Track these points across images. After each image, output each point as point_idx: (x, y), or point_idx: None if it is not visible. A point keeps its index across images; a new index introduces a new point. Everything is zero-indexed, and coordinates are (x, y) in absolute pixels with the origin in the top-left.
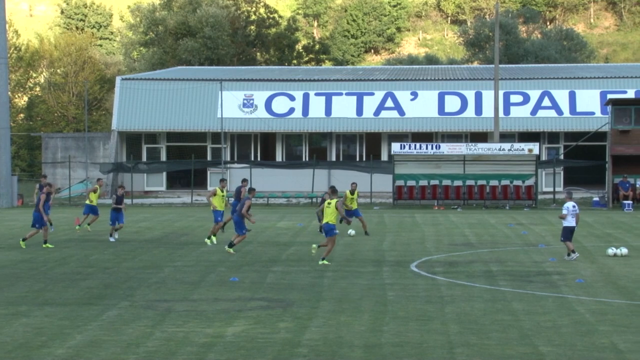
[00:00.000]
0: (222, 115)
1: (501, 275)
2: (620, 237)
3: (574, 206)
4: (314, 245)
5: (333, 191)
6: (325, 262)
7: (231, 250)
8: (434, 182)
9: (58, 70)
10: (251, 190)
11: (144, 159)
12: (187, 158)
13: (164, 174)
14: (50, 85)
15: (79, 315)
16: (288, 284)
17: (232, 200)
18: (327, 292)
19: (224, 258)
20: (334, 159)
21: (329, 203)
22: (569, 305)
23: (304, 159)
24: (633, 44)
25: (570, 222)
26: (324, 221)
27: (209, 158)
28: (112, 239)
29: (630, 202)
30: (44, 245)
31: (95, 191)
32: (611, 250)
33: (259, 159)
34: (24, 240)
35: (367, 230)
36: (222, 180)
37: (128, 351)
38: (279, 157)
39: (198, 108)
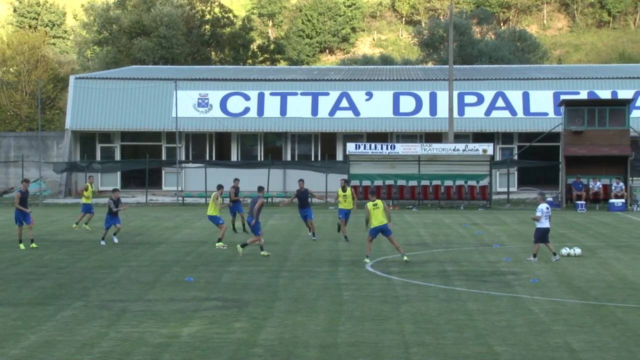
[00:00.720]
0: (177, 114)
1: (456, 275)
2: (573, 237)
3: (547, 208)
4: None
5: (372, 192)
6: (405, 258)
7: (241, 251)
8: (389, 182)
9: (10, 69)
10: (260, 188)
11: (98, 158)
12: (141, 157)
13: (119, 173)
14: (2, 84)
15: (33, 315)
16: (243, 284)
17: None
18: (283, 292)
19: (179, 258)
20: (289, 158)
21: (375, 204)
22: (524, 305)
23: (259, 159)
24: (586, 45)
25: (543, 223)
26: (376, 224)
27: (163, 157)
28: (103, 242)
29: (583, 202)
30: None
31: (86, 189)
32: (565, 251)
33: (214, 158)
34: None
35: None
36: (220, 187)
37: (82, 352)
38: (234, 157)
39: (153, 107)
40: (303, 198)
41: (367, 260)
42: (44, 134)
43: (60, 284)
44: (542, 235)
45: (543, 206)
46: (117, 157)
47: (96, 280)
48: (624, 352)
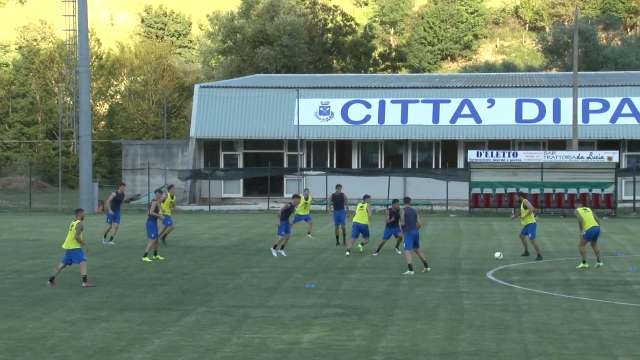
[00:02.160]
0: (298, 122)
1: (580, 285)
2: None
3: None
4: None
5: (578, 200)
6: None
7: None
8: (511, 190)
9: (138, 79)
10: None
11: (222, 166)
12: (264, 165)
13: (241, 181)
14: (130, 93)
15: (158, 320)
16: (364, 292)
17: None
18: (403, 300)
19: (300, 265)
20: (410, 166)
21: (585, 209)
22: None
23: (379, 167)
24: None
25: None
26: (591, 226)
27: (285, 165)
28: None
29: None
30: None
31: (164, 201)
32: None
33: (335, 166)
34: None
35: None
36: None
37: (206, 357)
38: (354, 165)
39: (275, 115)
40: (338, 201)
41: (585, 265)
42: (169, 142)
43: (184, 290)
44: None
45: None
46: (240, 164)
47: (219, 286)
48: None
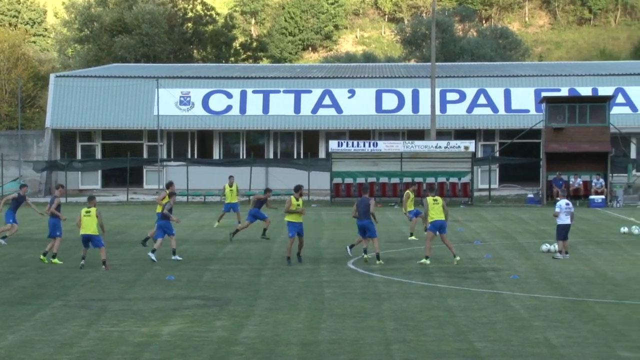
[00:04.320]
0: (158, 112)
1: (437, 272)
2: (554, 233)
3: (567, 204)
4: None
5: (431, 188)
6: (457, 259)
7: None
8: (371, 179)
9: None
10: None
11: (79, 157)
12: (122, 156)
13: (99, 172)
14: None
15: (11, 315)
16: (225, 282)
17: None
18: (264, 290)
19: (160, 256)
20: (271, 156)
21: (435, 200)
22: (504, 301)
23: (241, 157)
24: (567, 43)
25: (563, 219)
26: (436, 218)
27: (145, 156)
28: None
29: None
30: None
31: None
32: (545, 247)
33: (195, 156)
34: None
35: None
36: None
37: (62, 351)
38: (216, 155)
39: (134, 105)
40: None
41: (427, 261)
42: (23, 133)
43: (40, 284)
44: (561, 232)
45: (562, 202)
46: (98, 155)
47: (76, 279)
48: (603, 347)
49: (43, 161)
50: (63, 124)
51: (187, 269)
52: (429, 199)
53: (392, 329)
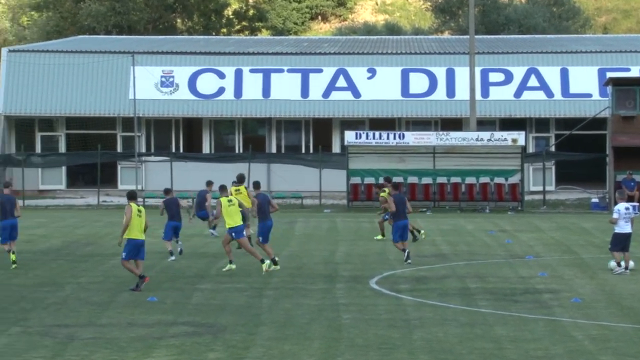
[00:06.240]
0: (135, 96)
1: (480, 294)
2: None
3: (627, 208)
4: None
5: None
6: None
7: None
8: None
9: None
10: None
11: (39, 150)
12: (92, 149)
13: (64, 168)
14: None
15: None
16: (219, 305)
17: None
18: (267, 315)
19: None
20: (274, 150)
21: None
22: (564, 330)
23: (237, 151)
24: (637, 11)
25: (622, 227)
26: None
27: (119, 149)
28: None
29: (636, 204)
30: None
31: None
32: (613, 263)
33: (181, 150)
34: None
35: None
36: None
37: None
38: (206, 149)
39: (105, 87)
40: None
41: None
42: None
43: None
44: (619, 242)
45: (621, 206)
46: (62, 148)
47: (37, 300)
48: None
49: None
50: (18, 110)
51: (173, 289)
52: (384, 194)
53: None
